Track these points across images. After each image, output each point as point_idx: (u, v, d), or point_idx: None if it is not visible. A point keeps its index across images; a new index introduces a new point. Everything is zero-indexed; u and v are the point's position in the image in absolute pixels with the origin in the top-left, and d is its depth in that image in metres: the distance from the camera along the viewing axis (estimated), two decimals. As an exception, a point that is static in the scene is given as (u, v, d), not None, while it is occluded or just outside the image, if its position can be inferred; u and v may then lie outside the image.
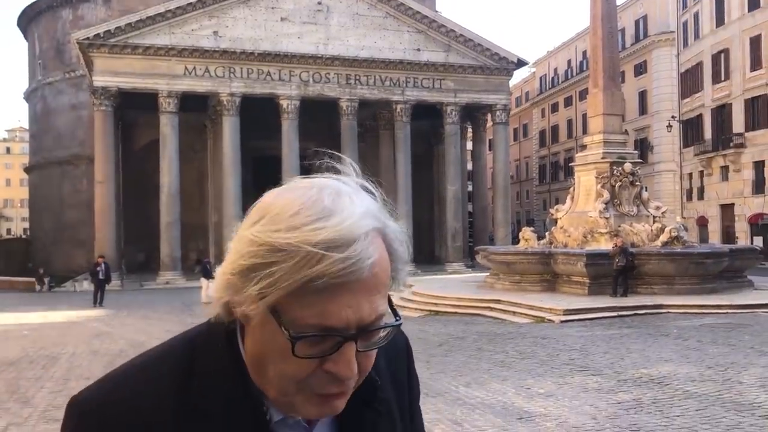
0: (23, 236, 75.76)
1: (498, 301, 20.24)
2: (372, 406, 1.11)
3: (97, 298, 25.71)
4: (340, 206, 0.97)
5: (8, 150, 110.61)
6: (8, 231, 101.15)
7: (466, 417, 8.13)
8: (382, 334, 1.01)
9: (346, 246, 0.94)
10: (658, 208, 24.12)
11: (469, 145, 51.30)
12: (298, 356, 0.95)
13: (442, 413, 8.32)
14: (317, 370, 0.97)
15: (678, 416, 7.92)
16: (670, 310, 18.11)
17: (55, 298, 31.06)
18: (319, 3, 40.57)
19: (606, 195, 23.24)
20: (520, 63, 45.06)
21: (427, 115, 44.20)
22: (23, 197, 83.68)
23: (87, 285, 32.19)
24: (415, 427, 1.30)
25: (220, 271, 1.00)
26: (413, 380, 1.30)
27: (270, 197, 1.01)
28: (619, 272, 19.85)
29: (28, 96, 57.08)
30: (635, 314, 17.70)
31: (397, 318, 1.04)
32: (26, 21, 55.81)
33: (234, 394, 1.02)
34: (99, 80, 37.13)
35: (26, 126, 68.24)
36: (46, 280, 37.57)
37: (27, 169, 60.58)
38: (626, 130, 42.16)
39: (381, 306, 0.99)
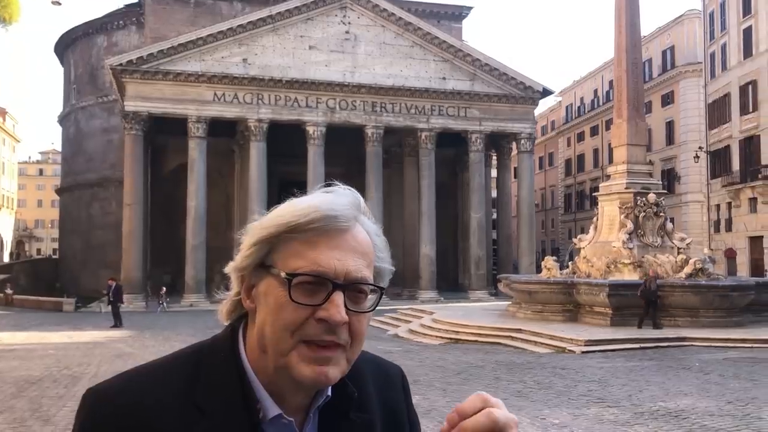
0: (52, 256, 77.08)
1: (519, 331, 20.13)
2: (348, 418, 1.21)
3: (116, 319, 26.05)
4: (323, 196, 1.18)
5: (41, 172, 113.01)
6: (38, 251, 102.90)
7: (478, 445, 8.10)
8: (368, 303, 1.16)
9: (324, 208, 1.14)
10: (682, 239, 23.89)
11: (494, 173, 51.32)
12: (294, 300, 1.10)
13: (454, 441, 8.31)
14: (311, 319, 1.10)
15: (693, 450, 7.84)
16: (693, 343, 17.88)
17: (81, 319, 31.50)
18: (347, 32, 41.20)
19: (629, 225, 23.10)
20: (546, 92, 45.16)
21: (452, 143, 44.38)
22: (54, 218, 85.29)
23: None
24: None
25: (231, 268, 1.22)
26: (413, 415, 1.38)
27: None
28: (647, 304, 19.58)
29: (62, 119, 58.49)
30: (657, 346, 17.50)
31: (382, 288, 1.21)
32: (63, 47, 57.41)
33: (231, 396, 1.14)
34: (130, 105, 37.98)
35: (59, 148, 69.82)
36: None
37: (58, 191, 61.84)
38: (652, 160, 41.91)
39: (366, 271, 1.15)
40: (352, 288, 1.13)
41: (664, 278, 21.57)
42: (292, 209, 1.15)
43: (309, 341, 1.11)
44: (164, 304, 35.49)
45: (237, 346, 1.19)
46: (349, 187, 1.22)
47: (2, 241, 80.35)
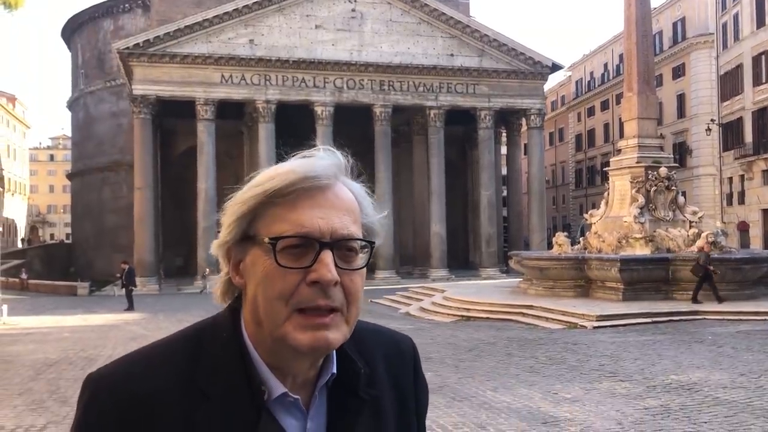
0: (65, 241, 77.69)
1: (530, 307, 20.14)
2: (357, 395, 1.18)
3: (129, 302, 26.26)
4: (301, 160, 1.15)
5: (52, 157, 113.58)
6: (51, 236, 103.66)
7: (491, 421, 8.18)
8: (359, 261, 1.12)
9: (302, 170, 1.11)
10: (694, 212, 23.73)
11: (504, 150, 51.11)
12: (281, 265, 1.07)
13: (467, 417, 8.38)
14: (302, 285, 1.07)
15: (705, 423, 7.86)
16: (706, 317, 17.83)
17: (95, 302, 31.81)
18: (353, 10, 40.91)
19: (641, 200, 22.94)
20: (555, 67, 44.76)
21: (460, 120, 44.17)
22: (66, 203, 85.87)
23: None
24: None
25: (215, 246, 1.18)
26: (420, 388, 1.33)
27: None
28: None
29: (71, 105, 58.62)
30: (670, 320, 17.46)
31: (372, 243, 1.15)
32: (70, 32, 57.38)
33: (234, 379, 1.11)
34: (138, 88, 38.00)
35: (69, 134, 70.05)
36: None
37: (69, 176, 62.18)
38: (663, 134, 41.53)
39: (353, 227, 1.11)
40: (341, 246, 1.09)
41: (676, 252, 21.50)
42: (268, 176, 1.12)
43: (304, 309, 1.08)
44: (207, 285, 35.45)
45: (239, 326, 1.15)
46: (330, 148, 1.17)
47: (16, 226, 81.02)
